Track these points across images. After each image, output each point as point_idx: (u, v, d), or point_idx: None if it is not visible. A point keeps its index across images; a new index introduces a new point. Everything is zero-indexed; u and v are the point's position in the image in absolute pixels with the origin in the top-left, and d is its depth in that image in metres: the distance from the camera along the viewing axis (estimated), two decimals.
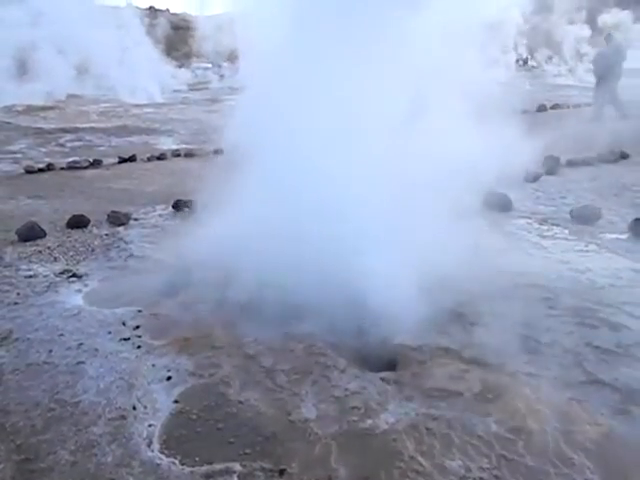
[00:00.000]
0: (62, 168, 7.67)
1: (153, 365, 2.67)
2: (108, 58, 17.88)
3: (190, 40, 28.85)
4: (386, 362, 2.65)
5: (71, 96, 17.32)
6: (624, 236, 4.31)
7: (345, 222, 2.93)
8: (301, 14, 3.22)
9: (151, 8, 33.08)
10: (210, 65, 27.13)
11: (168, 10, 40.75)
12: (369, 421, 2.23)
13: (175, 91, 19.50)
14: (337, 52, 3.07)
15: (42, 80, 16.86)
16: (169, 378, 2.55)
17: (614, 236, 4.33)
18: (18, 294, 3.51)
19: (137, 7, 22.49)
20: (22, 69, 17.33)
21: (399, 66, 3.16)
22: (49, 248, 4.38)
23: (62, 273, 3.84)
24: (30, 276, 3.81)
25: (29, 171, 7.41)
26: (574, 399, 2.35)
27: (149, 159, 8.27)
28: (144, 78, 18.31)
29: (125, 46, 18.59)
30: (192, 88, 21.14)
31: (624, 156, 7.12)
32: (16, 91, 15.84)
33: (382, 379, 2.51)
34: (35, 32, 17.19)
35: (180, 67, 24.67)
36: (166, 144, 9.70)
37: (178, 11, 38.25)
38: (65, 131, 11.36)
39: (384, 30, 3.11)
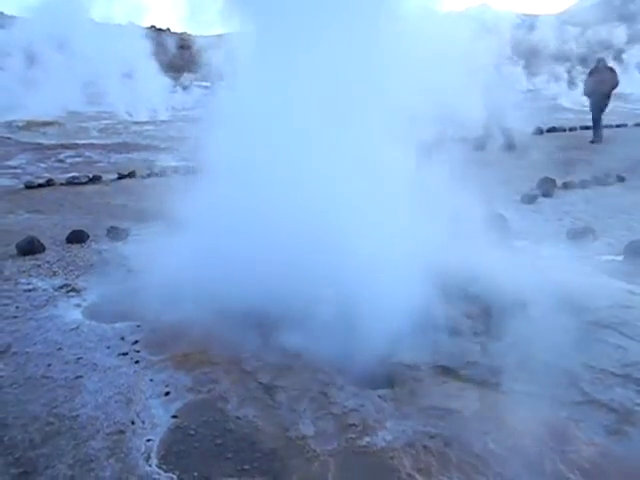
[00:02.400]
0: (62, 184, 7.73)
1: (151, 380, 2.67)
2: (109, 75, 18.09)
3: (190, 59, 29.20)
4: (384, 379, 2.66)
5: (71, 112, 17.48)
6: (620, 258, 4.36)
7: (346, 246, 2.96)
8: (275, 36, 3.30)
9: (152, 27, 33.60)
10: (209, 84, 27.41)
11: (169, 29, 41.28)
12: (367, 438, 2.24)
13: (175, 109, 19.69)
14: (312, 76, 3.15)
15: (42, 96, 17.02)
16: (167, 393, 2.56)
17: (610, 257, 4.38)
18: (17, 308, 3.52)
19: (139, 25, 22.84)
20: (24, 85, 17.51)
21: (383, 90, 3.22)
22: (48, 262, 4.39)
23: (61, 287, 3.86)
24: (29, 290, 3.82)
25: (29, 186, 7.46)
26: (570, 419, 2.37)
27: (148, 175, 8.34)
28: (145, 96, 18.50)
29: (126, 63, 18.81)
30: (192, 106, 21.34)
31: (620, 179, 7.22)
32: (17, 107, 15.97)
33: (380, 396, 2.52)
34: (37, 48, 17.42)
35: (180, 86, 24.94)
36: (165, 161, 9.77)
37: (178, 30, 38.79)
38: (65, 147, 11.45)
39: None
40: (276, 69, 3.28)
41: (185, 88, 25.57)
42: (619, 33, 39.82)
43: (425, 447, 2.19)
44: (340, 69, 3.12)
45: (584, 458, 2.14)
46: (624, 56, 33.45)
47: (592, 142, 11.21)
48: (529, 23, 41.34)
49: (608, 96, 11.27)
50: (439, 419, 2.36)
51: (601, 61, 11.84)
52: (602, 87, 11.12)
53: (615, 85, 11.27)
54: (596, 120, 11.53)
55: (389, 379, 2.69)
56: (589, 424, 2.33)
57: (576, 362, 2.81)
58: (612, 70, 11.51)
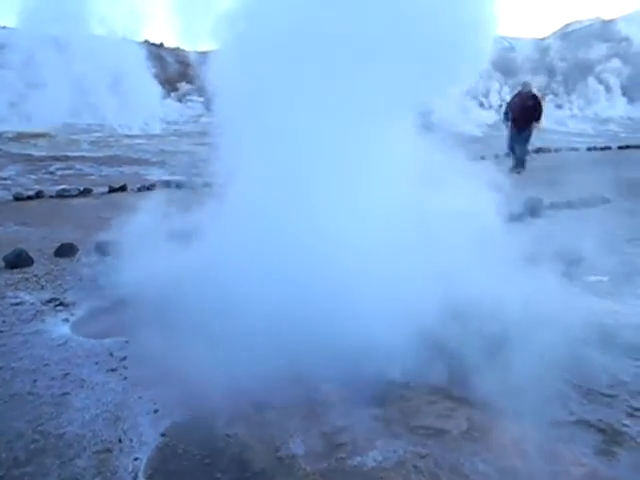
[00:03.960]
0: (51, 196, 7.67)
1: (140, 397, 2.65)
2: (101, 88, 18.10)
3: (182, 74, 29.35)
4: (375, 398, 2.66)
5: (62, 124, 17.42)
6: (605, 278, 4.41)
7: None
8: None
9: (146, 41, 33.77)
10: (202, 99, 27.57)
11: (162, 44, 41.53)
12: (357, 458, 2.23)
13: (167, 123, 19.73)
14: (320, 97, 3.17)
15: (33, 108, 16.98)
16: (156, 411, 2.53)
17: (596, 278, 4.43)
18: (4, 322, 3.48)
19: (132, 40, 22.93)
20: (15, 96, 17.47)
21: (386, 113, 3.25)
22: (36, 276, 4.35)
23: (49, 302, 3.82)
24: (16, 304, 3.78)
25: (18, 198, 7.40)
26: (559, 439, 2.38)
27: (139, 189, 8.32)
28: (137, 109, 18.53)
29: (119, 77, 18.85)
30: (183, 120, 21.41)
31: (605, 201, 7.33)
32: (8, 118, 15.93)
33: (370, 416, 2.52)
34: (28, 59, 17.41)
35: (172, 100, 25.02)
36: (157, 175, 9.76)
37: (172, 45, 39.05)
38: (55, 159, 11.40)
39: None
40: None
41: (178, 102, 25.67)
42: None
43: (415, 467, 2.18)
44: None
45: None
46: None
47: (517, 172, 10.06)
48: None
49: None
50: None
51: (526, 86, 10.85)
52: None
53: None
54: (512, 147, 10.68)
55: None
56: (577, 444, 2.35)
57: (565, 382, 2.83)
58: (535, 97, 10.56)
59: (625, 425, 2.47)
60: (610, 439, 2.38)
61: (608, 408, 2.61)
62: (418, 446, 2.30)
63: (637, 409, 2.60)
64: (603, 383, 2.82)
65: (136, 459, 2.22)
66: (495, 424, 2.45)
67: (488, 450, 2.28)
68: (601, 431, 2.44)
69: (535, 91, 10.96)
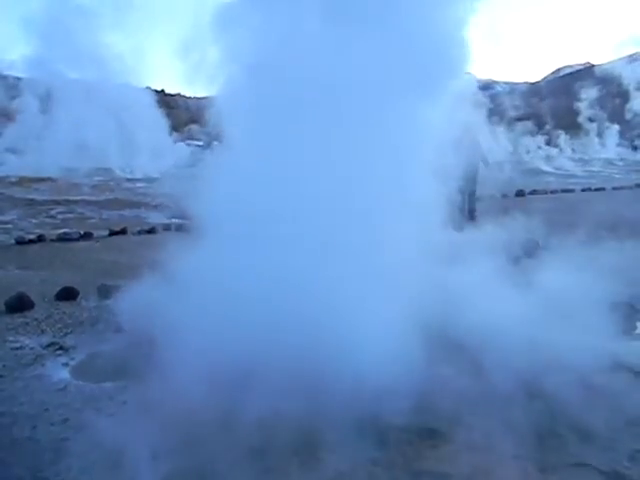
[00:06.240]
0: (52, 239, 7.76)
1: (140, 442, 2.64)
2: (103, 133, 18.50)
3: (183, 119, 29.99)
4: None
5: (64, 169, 17.70)
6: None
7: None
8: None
9: (147, 88, 34.64)
10: (202, 143, 28.08)
11: (163, 91, 42.61)
12: None
13: (167, 167, 20.03)
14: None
15: (37, 153, 17.31)
16: (156, 456, 2.52)
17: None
18: (4, 366, 3.48)
19: (134, 86, 23.52)
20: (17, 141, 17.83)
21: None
22: (37, 320, 4.37)
23: (49, 346, 3.83)
24: (17, 348, 3.79)
25: (19, 242, 7.48)
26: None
27: (139, 232, 8.41)
28: (138, 153, 18.88)
29: (120, 122, 19.29)
30: (184, 164, 21.75)
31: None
32: (12, 163, 16.21)
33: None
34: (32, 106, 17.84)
35: (173, 144, 25.48)
36: (157, 218, 9.89)
37: (173, 92, 40.08)
38: (57, 203, 11.56)
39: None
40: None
41: (178, 146, 26.13)
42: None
43: None
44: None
45: None
46: None
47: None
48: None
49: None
50: None
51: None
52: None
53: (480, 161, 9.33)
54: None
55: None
56: None
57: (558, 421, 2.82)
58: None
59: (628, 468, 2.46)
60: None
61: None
62: None
63: None
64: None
65: None
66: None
67: None
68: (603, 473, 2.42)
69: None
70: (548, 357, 3.28)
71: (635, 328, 4.30)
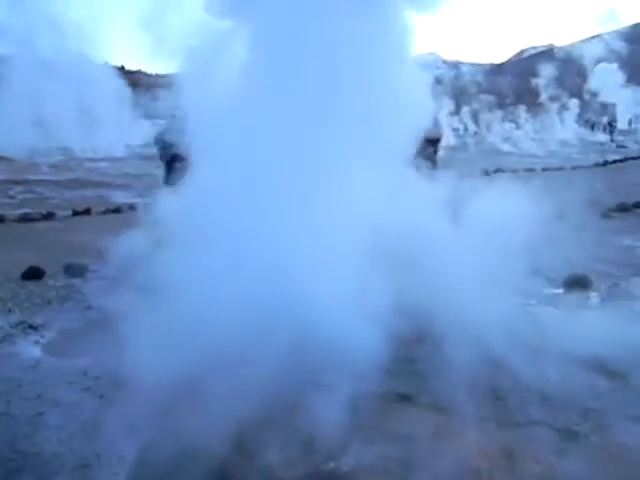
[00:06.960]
0: (13, 220, 7.56)
1: (116, 414, 2.68)
2: (61, 111, 17.91)
3: (144, 97, 29.18)
4: None
5: (21, 147, 17.09)
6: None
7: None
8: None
9: (105, 64, 33.53)
10: (164, 122, 27.43)
11: (123, 67, 41.30)
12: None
13: (129, 146, 19.59)
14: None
15: None
16: (133, 426, 2.57)
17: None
18: None
19: (93, 62, 22.71)
20: None
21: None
22: (2, 299, 4.31)
23: (18, 325, 3.80)
24: None
25: None
26: (520, 439, 2.54)
27: (104, 212, 8.28)
28: (98, 132, 18.38)
29: (79, 99, 18.70)
30: (147, 143, 21.29)
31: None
32: None
33: None
34: None
35: (135, 123, 24.83)
36: (121, 198, 9.73)
37: (133, 68, 38.87)
38: (15, 182, 11.21)
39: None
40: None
41: (140, 125, 25.50)
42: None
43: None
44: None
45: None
46: None
47: None
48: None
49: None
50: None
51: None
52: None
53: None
54: None
55: None
56: (535, 444, 2.51)
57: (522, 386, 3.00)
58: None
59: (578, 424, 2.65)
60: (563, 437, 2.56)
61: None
62: None
63: None
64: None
65: (115, 473, 2.27)
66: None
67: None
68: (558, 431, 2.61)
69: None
70: None
71: None
